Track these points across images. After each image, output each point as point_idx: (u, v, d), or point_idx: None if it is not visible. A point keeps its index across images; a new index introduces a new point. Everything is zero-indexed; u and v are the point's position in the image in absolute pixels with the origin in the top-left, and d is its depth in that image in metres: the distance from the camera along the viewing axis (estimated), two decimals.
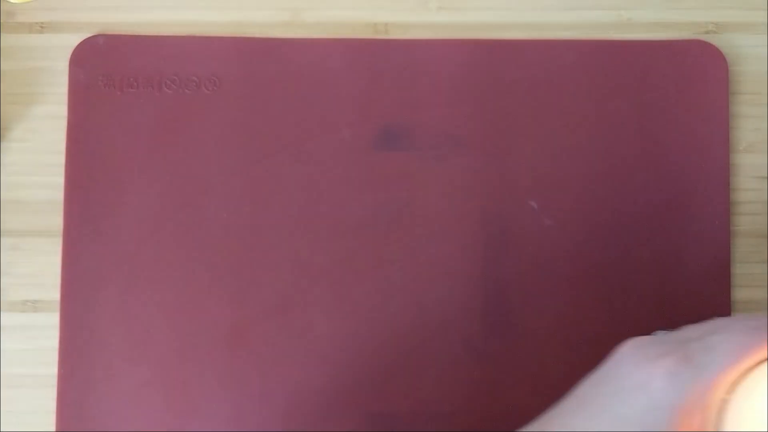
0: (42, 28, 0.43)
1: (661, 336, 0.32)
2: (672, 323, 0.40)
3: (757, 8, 0.43)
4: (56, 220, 0.41)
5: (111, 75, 0.42)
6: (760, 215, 0.42)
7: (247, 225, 0.41)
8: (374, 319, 0.40)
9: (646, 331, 0.40)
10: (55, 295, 0.41)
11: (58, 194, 0.41)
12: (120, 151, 0.41)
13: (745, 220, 0.42)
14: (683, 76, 0.42)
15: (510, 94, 0.42)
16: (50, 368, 0.40)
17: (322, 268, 0.40)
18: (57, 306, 0.40)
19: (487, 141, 0.42)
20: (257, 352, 0.40)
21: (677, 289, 0.41)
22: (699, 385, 0.29)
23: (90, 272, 0.40)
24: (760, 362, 0.29)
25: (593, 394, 0.30)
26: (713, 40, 0.43)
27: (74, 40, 0.42)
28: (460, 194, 0.41)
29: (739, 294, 0.41)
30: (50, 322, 0.40)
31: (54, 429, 0.40)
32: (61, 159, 0.41)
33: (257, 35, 0.43)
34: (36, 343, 0.41)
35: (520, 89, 0.42)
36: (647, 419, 0.29)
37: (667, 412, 0.28)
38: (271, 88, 0.42)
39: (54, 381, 0.40)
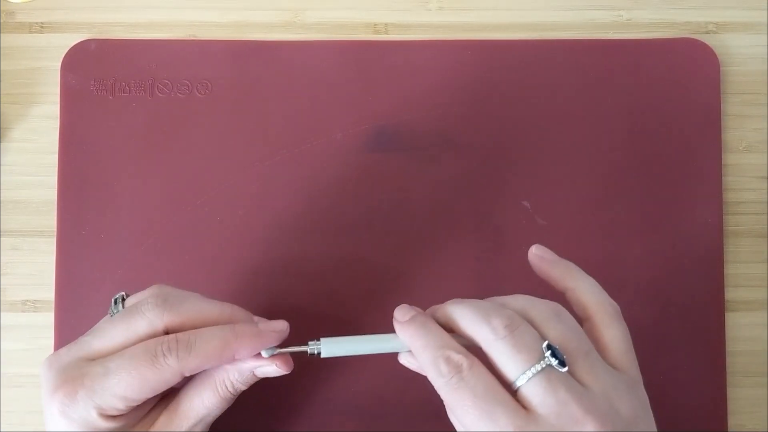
0: (42, 28, 0.43)
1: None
2: (665, 321, 0.40)
3: (757, 8, 0.43)
4: (56, 221, 0.41)
5: (103, 79, 0.42)
6: (760, 215, 0.42)
7: (240, 227, 0.41)
8: (368, 320, 0.40)
9: (642, 329, 0.40)
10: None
11: None
12: (113, 155, 0.41)
13: (745, 220, 0.42)
14: (675, 74, 0.42)
15: (505, 94, 0.42)
16: None
17: (316, 269, 0.40)
18: None
19: (481, 141, 0.41)
20: None
21: (670, 288, 0.40)
22: None
23: (84, 273, 0.40)
24: None
25: None
26: (713, 40, 0.43)
27: (74, 40, 0.42)
28: (454, 195, 0.41)
29: (738, 294, 0.41)
30: (50, 322, 0.40)
31: None
32: None
33: (258, 36, 0.43)
34: (36, 343, 0.41)
35: (514, 90, 0.42)
36: None
37: None
38: (264, 91, 0.42)
39: None
